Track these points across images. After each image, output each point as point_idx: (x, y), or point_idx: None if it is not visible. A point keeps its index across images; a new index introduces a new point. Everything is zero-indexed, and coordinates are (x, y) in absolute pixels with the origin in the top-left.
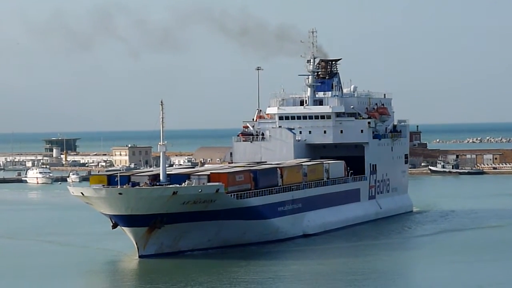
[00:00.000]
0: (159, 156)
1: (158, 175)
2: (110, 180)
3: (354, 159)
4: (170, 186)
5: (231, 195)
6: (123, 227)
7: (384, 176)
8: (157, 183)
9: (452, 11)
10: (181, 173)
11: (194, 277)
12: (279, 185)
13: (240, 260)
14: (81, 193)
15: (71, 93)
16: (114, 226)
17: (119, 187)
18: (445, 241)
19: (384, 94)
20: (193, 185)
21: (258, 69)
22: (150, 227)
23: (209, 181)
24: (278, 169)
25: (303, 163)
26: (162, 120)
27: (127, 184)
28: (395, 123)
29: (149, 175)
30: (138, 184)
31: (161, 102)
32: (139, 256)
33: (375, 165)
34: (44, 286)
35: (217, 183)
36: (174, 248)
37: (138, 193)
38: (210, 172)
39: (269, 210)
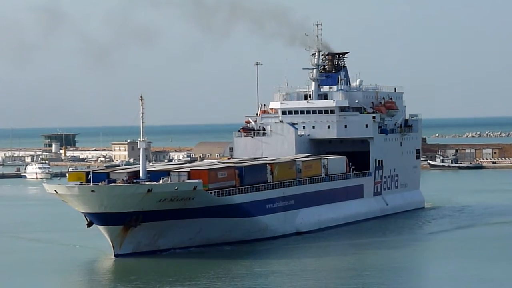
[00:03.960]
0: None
1: (138, 172)
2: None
3: (360, 154)
4: (144, 183)
5: (212, 193)
6: (98, 226)
7: (392, 171)
8: (134, 180)
9: (456, 6)
10: (161, 170)
11: (172, 276)
12: (268, 181)
13: (224, 258)
14: (55, 190)
15: (70, 88)
16: (89, 224)
17: (91, 184)
18: (461, 237)
19: (395, 88)
20: (169, 182)
21: (257, 64)
22: (126, 225)
23: (189, 178)
24: (267, 165)
25: (297, 159)
26: (142, 116)
27: (103, 181)
28: (407, 118)
29: (128, 172)
30: (114, 181)
31: (141, 97)
32: (115, 255)
33: (381, 160)
34: (12, 285)
35: (195, 180)
36: (153, 246)
37: (111, 191)
38: (190, 169)
39: (256, 207)
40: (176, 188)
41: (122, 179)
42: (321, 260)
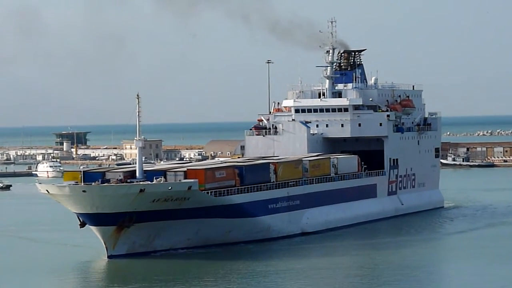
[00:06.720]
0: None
1: (135, 171)
2: (86, 177)
3: (375, 153)
4: (137, 183)
5: (208, 192)
6: (90, 226)
7: (408, 170)
8: (128, 180)
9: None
10: (157, 169)
11: (164, 278)
12: (271, 181)
13: (222, 259)
14: (47, 190)
15: (81, 86)
16: (82, 225)
17: (82, 184)
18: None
19: (413, 86)
20: (163, 182)
21: (268, 62)
22: (119, 226)
23: (185, 178)
24: (271, 165)
25: (304, 158)
26: (139, 114)
27: (97, 181)
28: (426, 116)
29: (123, 172)
30: (108, 181)
31: (137, 95)
32: (108, 256)
33: (397, 159)
34: (6, 285)
35: (190, 180)
36: (149, 247)
37: (102, 191)
38: (187, 168)
39: (257, 207)
40: (170, 188)
41: (117, 179)
42: (326, 260)
